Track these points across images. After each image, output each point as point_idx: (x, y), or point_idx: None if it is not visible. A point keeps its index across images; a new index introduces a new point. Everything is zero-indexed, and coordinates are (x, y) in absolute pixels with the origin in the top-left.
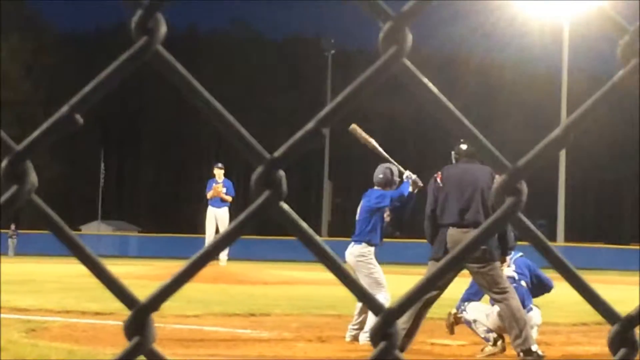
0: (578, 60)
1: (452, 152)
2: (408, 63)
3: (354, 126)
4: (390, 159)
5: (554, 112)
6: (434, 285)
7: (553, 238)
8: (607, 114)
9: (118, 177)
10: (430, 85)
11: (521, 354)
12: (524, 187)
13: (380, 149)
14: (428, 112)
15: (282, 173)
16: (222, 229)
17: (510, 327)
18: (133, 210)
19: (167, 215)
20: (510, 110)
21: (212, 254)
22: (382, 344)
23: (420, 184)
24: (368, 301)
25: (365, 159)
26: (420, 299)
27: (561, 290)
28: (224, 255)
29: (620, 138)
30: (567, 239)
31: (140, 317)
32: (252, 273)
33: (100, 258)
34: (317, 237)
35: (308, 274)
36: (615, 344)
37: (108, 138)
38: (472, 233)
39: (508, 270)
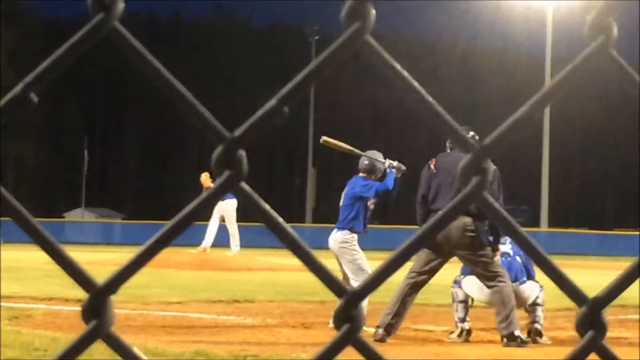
0: (561, 47)
1: (447, 141)
2: (371, 40)
3: (324, 138)
4: (368, 155)
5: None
6: (398, 266)
7: (537, 223)
8: (590, 100)
9: (102, 164)
10: (393, 62)
11: (505, 339)
12: (489, 166)
13: (356, 150)
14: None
15: (242, 152)
16: (227, 222)
17: (498, 311)
18: (117, 197)
19: (151, 202)
20: (494, 97)
21: (170, 236)
22: (345, 327)
23: (404, 168)
24: (332, 284)
25: (350, 145)
26: (385, 280)
27: (544, 275)
28: (235, 246)
29: (604, 124)
30: (551, 224)
31: (97, 301)
32: (236, 259)
33: (84, 245)
34: (280, 219)
35: (292, 261)
36: (583, 326)
37: (92, 125)
38: (464, 219)
39: (504, 247)
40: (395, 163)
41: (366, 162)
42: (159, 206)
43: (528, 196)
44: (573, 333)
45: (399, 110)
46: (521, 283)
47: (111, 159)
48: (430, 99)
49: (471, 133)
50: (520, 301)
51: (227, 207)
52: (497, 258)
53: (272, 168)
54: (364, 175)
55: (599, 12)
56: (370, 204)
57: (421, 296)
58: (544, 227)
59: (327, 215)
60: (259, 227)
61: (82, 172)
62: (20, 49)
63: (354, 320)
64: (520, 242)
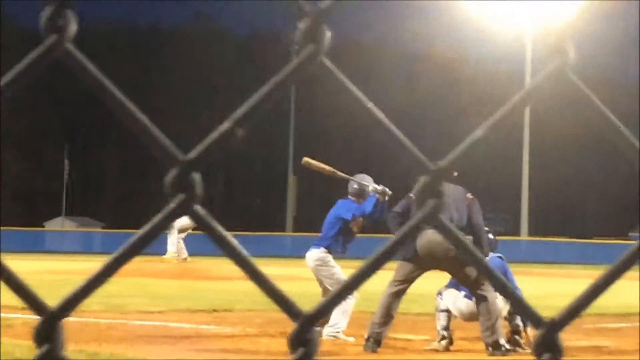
0: (541, 57)
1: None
2: (327, 62)
3: (306, 160)
4: (351, 178)
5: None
6: (355, 288)
7: (517, 232)
8: (570, 109)
9: (82, 173)
10: (349, 84)
11: (490, 347)
12: (445, 188)
13: (338, 172)
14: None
15: (197, 175)
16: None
17: (484, 319)
18: (97, 206)
19: (131, 211)
20: (474, 106)
21: (126, 257)
22: (300, 350)
23: (389, 192)
24: (286, 306)
25: (330, 154)
26: (338, 303)
27: (524, 285)
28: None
29: (583, 133)
30: (531, 233)
31: (50, 325)
32: (215, 269)
33: (65, 254)
34: (235, 242)
35: (271, 270)
36: (539, 348)
37: (72, 134)
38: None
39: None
40: (379, 187)
41: (355, 186)
42: (140, 215)
43: (508, 205)
44: (568, 342)
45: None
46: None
47: (91, 168)
48: (385, 120)
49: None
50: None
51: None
52: None
53: (252, 176)
54: (353, 199)
55: (556, 34)
56: (354, 225)
57: (400, 305)
58: (524, 236)
59: (308, 223)
60: (237, 236)
61: (63, 181)
62: None
63: (309, 344)
64: (478, 266)
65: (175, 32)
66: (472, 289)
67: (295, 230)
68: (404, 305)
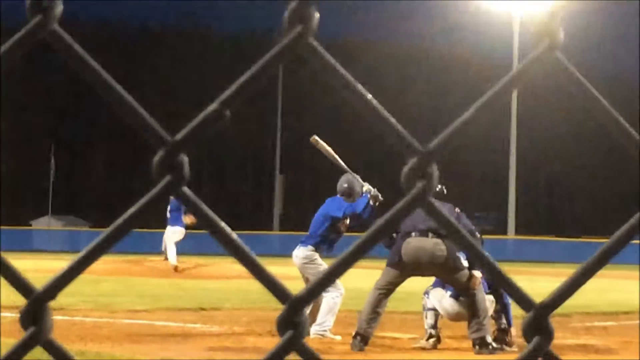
0: (528, 53)
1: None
2: (315, 43)
3: (314, 138)
4: (349, 170)
5: (505, 102)
6: (340, 273)
7: (504, 231)
8: (558, 107)
9: (68, 172)
10: (338, 66)
11: (476, 345)
12: (434, 170)
13: (340, 161)
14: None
15: (184, 157)
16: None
17: (472, 317)
18: (84, 205)
19: (117, 210)
20: (466, 102)
21: (110, 241)
22: (288, 333)
23: (381, 198)
24: (275, 289)
25: (317, 153)
26: (328, 287)
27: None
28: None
29: (572, 131)
30: (518, 231)
31: (36, 307)
32: (202, 267)
33: (51, 253)
34: (222, 224)
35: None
36: (529, 331)
37: (58, 132)
38: (433, 240)
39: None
40: (373, 190)
41: (345, 185)
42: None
43: (496, 203)
44: (556, 340)
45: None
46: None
47: (78, 167)
48: (375, 103)
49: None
50: None
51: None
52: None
53: (239, 174)
54: (343, 198)
55: (545, 16)
56: (342, 224)
57: (387, 304)
58: (511, 235)
59: (295, 222)
60: None
61: (49, 179)
62: None
63: (298, 327)
64: (467, 249)
65: (162, 30)
66: (462, 290)
67: (282, 229)
68: (391, 303)
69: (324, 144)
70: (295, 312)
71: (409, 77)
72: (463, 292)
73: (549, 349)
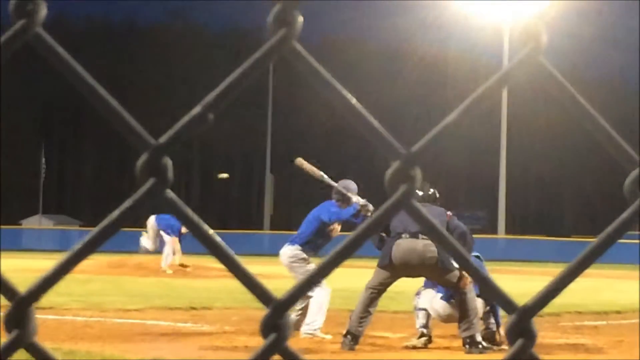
0: (518, 52)
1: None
2: (298, 46)
3: (299, 160)
4: (337, 185)
5: (496, 103)
6: (325, 274)
7: (494, 230)
8: (548, 106)
9: (59, 171)
10: (321, 69)
11: (467, 345)
12: (417, 173)
13: (327, 178)
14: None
15: (167, 160)
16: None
17: (463, 316)
18: (75, 204)
19: (108, 209)
20: (454, 101)
21: (95, 243)
22: (271, 336)
23: (371, 208)
24: (258, 292)
25: (308, 153)
26: (311, 289)
27: (501, 283)
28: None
29: (561, 131)
30: (508, 231)
31: (20, 310)
32: (193, 266)
33: (42, 253)
34: (205, 226)
35: (249, 268)
36: (512, 334)
37: (49, 131)
38: (424, 241)
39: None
40: (362, 201)
41: (340, 188)
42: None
43: (485, 203)
44: (546, 340)
45: None
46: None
47: (69, 166)
48: (359, 106)
49: (431, 190)
50: None
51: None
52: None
53: (229, 174)
54: (337, 203)
55: (529, 20)
56: (330, 230)
57: (378, 303)
58: (501, 234)
59: (285, 222)
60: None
61: (39, 178)
62: None
63: (282, 330)
64: (450, 251)
65: (150, 28)
66: (453, 291)
67: (272, 229)
68: (381, 302)
69: (309, 165)
70: (278, 315)
71: (394, 76)
72: (454, 292)
73: (532, 351)
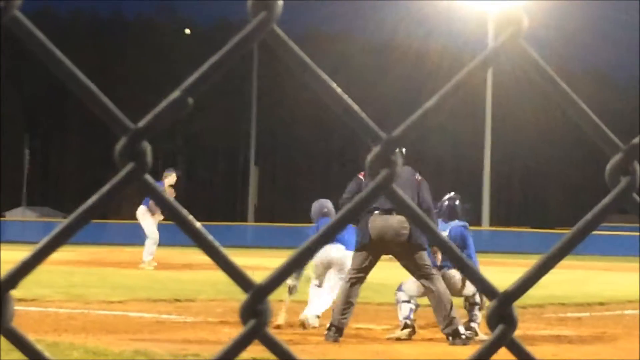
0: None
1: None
2: (278, 30)
3: None
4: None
5: (481, 95)
6: (305, 260)
7: (478, 222)
8: (532, 98)
9: (43, 162)
10: (301, 53)
11: (450, 337)
12: (398, 158)
13: None
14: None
15: (146, 144)
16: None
17: (438, 310)
18: (58, 196)
19: None
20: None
21: (72, 229)
22: (251, 322)
23: None
24: (238, 277)
25: (292, 144)
26: (292, 272)
27: (486, 274)
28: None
29: (546, 123)
30: (493, 223)
31: None
32: (177, 258)
33: (26, 245)
34: (184, 212)
35: (233, 260)
36: (493, 319)
37: (32, 123)
38: (397, 217)
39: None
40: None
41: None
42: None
43: (470, 194)
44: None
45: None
46: (449, 268)
47: (52, 158)
48: (339, 91)
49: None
50: (451, 288)
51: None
52: (439, 257)
53: (214, 166)
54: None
55: (511, 7)
56: None
57: (362, 294)
58: (485, 226)
59: (269, 214)
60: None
61: (23, 170)
62: None
63: (261, 315)
64: (430, 236)
65: (137, 22)
66: (420, 277)
67: (256, 221)
68: (365, 294)
69: None
70: (258, 300)
71: (380, 69)
72: (420, 277)
73: (513, 337)
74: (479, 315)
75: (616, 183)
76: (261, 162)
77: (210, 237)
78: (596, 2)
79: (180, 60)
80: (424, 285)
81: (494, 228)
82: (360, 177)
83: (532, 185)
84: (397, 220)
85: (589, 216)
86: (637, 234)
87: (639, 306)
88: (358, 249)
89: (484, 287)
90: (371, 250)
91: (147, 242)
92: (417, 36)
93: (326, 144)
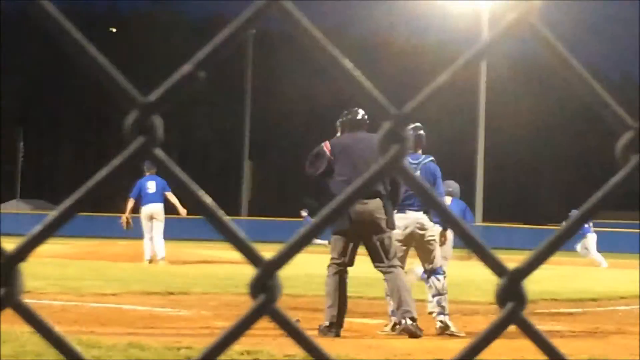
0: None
1: (338, 123)
2: (288, 4)
3: None
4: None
5: (474, 91)
6: (313, 236)
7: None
8: (526, 95)
9: (37, 155)
10: (310, 26)
11: (403, 321)
12: (408, 134)
13: None
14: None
15: (158, 118)
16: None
17: (394, 296)
18: (53, 188)
19: None
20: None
21: (82, 202)
22: (260, 297)
23: None
24: (248, 253)
25: (287, 137)
26: (302, 249)
27: (479, 269)
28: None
29: (538, 119)
30: (485, 219)
31: (7, 268)
32: (171, 252)
33: (20, 237)
34: (195, 186)
35: (227, 253)
36: (502, 297)
37: (27, 116)
38: (375, 201)
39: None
40: None
41: None
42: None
43: (462, 191)
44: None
45: (337, 103)
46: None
47: (47, 151)
48: (349, 65)
49: (349, 116)
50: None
51: (154, 210)
52: (450, 239)
53: (207, 160)
54: None
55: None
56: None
57: (354, 289)
58: (478, 222)
59: (263, 208)
60: (194, 220)
61: (17, 163)
62: None
63: (271, 291)
64: (438, 211)
65: (131, 15)
66: (383, 259)
67: (250, 215)
68: (359, 289)
69: None
70: (267, 275)
71: (372, 65)
72: (384, 259)
73: (522, 314)
74: (447, 307)
75: (626, 161)
76: (255, 156)
77: (221, 212)
78: None
79: (173, 53)
80: (384, 273)
81: (486, 224)
82: (327, 150)
83: (524, 182)
84: (375, 205)
85: (599, 193)
86: (634, 230)
87: (639, 302)
88: (337, 232)
89: (493, 264)
90: (348, 234)
91: (159, 239)
92: (410, 33)
93: (321, 138)
